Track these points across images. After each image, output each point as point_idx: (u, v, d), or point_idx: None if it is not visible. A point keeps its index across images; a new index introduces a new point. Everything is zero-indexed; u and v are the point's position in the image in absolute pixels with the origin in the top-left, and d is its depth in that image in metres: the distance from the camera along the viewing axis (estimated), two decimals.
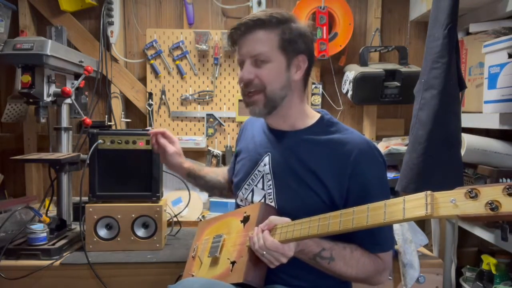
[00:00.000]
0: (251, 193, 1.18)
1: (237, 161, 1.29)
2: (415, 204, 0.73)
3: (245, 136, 1.31)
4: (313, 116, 1.17)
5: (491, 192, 0.64)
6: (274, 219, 1.00)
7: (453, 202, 0.67)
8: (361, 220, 0.82)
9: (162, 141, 1.29)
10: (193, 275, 1.17)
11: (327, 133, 1.12)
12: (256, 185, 1.17)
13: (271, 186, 1.13)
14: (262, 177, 1.16)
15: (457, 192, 0.68)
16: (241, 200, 1.23)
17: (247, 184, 1.20)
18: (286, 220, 0.99)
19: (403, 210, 0.75)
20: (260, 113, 1.13)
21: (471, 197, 0.65)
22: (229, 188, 1.39)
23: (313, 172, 1.08)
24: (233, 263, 1.06)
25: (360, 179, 1.04)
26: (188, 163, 1.35)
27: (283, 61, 1.10)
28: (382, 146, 2.04)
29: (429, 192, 0.72)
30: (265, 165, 1.16)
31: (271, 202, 1.12)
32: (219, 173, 1.43)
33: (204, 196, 2.02)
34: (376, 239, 1.05)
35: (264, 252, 0.96)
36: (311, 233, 0.92)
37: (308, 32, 1.13)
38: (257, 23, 1.08)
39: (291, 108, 1.14)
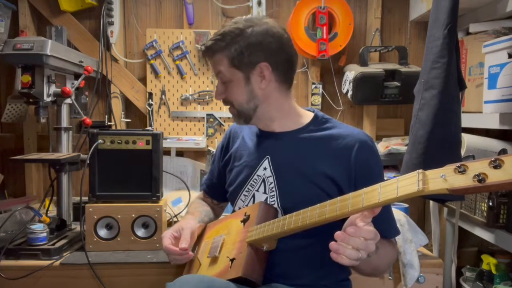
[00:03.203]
0: (252, 199, 1.17)
1: (229, 170, 1.27)
2: (408, 182, 0.76)
3: (234, 142, 1.28)
4: (306, 115, 1.19)
5: (478, 166, 0.68)
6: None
7: (443, 177, 0.71)
8: (357, 203, 0.84)
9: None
10: None
11: (324, 130, 1.14)
12: (257, 190, 1.16)
13: (274, 189, 1.12)
14: (263, 181, 1.15)
15: (447, 169, 0.71)
16: (240, 209, 1.21)
17: (246, 191, 1.18)
18: None
19: (396, 189, 0.78)
20: (240, 123, 1.19)
21: (460, 172, 0.69)
22: (215, 208, 1.42)
23: (321, 170, 1.08)
24: (232, 260, 1.06)
25: (365, 169, 1.07)
26: (198, 228, 1.26)
27: (240, 77, 1.11)
28: (382, 146, 2.04)
29: (421, 170, 0.76)
30: (265, 169, 1.15)
31: (273, 204, 1.12)
32: (209, 210, 1.39)
33: None
34: (390, 225, 1.10)
35: (360, 255, 0.83)
36: (310, 222, 0.92)
37: (268, 36, 1.09)
38: (209, 49, 1.12)
39: (272, 113, 1.16)
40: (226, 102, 1.17)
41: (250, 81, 1.11)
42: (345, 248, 0.83)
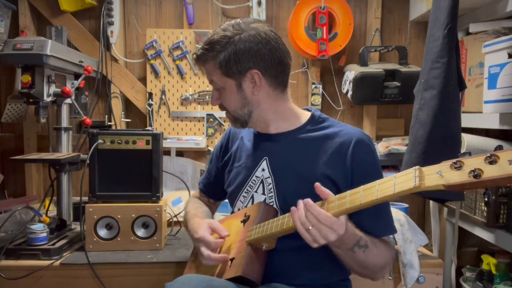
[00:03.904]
0: (251, 200, 1.17)
1: (228, 170, 1.27)
2: (404, 179, 0.77)
3: (233, 143, 1.29)
4: (303, 115, 1.19)
5: (474, 161, 0.68)
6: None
7: (439, 174, 0.71)
8: (355, 200, 0.84)
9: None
10: None
11: (321, 129, 1.14)
12: (255, 191, 1.16)
13: (272, 190, 1.13)
14: (262, 182, 1.15)
15: (443, 165, 0.72)
16: (239, 209, 1.21)
17: (245, 192, 1.18)
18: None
19: (393, 185, 0.78)
20: (237, 127, 1.21)
21: (455, 168, 0.70)
22: (211, 207, 1.41)
23: (318, 170, 1.08)
24: (232, 259, 1.06)
25: (361, 167, 1.07)
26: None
27: (232, 84, 1.12)
28: (382, 146, 2.04)
29: (417, 167, 0.76)
30: (263, 170, 1.15)
31: (272, 205, 1.12)
32: (208, 210, 1.38)
33: None
34: (383, 223, 1.08)
35: (310, 227, 0.88)
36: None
37: (256, 42, 1.08)
38: (199, 58, 1.13)
39: (268, 117, 1.16)
40: (221, 107, 1.19)
41: (242, 87, 1.11)
42: (301, 209, 0.90)
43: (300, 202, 0.92)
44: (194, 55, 1.15)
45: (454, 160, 0.70)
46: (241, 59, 1.08)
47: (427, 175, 0.73)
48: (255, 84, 1.11)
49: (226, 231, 1.11)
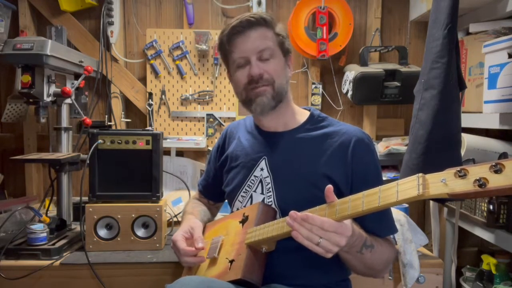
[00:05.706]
0: (249, 200, 1.17)
1: (226, 170, 1.26)
2: (408, 186, 0.76)
3: (230, 143, 1.28)
4: (303, 114, 1.19)
5: (479, 170, 0.67)
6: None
7: (443, 182, 0.70)
8: (357, 206, 0.84)
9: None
10: None
11: (320, 128, 1.15)
12: (254, 191, 1.16)
13: (271, 190, 1.12)
14: (260, 181, 1.15)
15: (447, 173, 0.71)
16: (238, 209, 1.20)
17: (244, 192, 1.18)
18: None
19: (396, 193, 0.78)
20: (269, 104, 1.11)
21: (460, 176, 0.68)
22: (211, 208, 1.41)
23: (318, 169, 1.08)
24: (231, 261, 1.05)
25: (361, 166, 1.07)
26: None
27: (282, 58, 1.15)
28: (382, 146, 2.04)
29: (420, 174, 0.75)
30: (262, 169, 1.15)
31: (270, 204, 1.12)
32: (206, 209, 1.39)
33: None
34: (386, 223, 1.08)
35: (320, 240, 0.84)
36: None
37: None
38: (260, 20, 1.11)
39: (287, 105, 1.17)
40: (264, 80, 1.10)
41: (287, 65, 1.17)
42: (300, 227, 0.85)
43: (296, 220, 0.86)
44: (251, 18, 1.10)
45: (459, 168, 0.69)
46: (288, 41, 1.17)
47: (431, 183, 0.73)
48: (289, 67, 1.18)
49: (201, 244, 1.10)
